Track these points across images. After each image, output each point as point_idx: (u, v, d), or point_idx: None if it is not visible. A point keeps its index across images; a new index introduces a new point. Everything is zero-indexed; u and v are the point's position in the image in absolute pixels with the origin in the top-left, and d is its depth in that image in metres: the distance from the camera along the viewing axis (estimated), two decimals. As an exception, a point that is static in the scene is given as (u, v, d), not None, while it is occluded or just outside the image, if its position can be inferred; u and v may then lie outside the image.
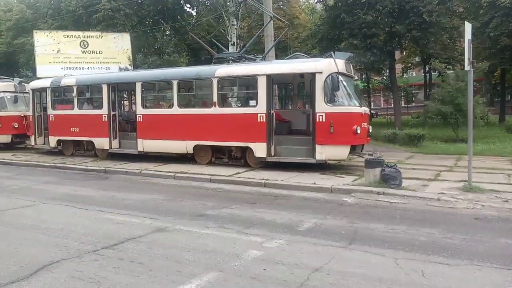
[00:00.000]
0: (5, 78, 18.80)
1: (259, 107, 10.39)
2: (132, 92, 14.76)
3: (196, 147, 11.62)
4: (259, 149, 10.48)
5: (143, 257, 4.65)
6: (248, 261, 4.51)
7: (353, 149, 10.14)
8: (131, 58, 25.82)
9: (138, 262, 4.49)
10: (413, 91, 39.74)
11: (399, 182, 8.12)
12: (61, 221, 6.30)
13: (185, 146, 11.68)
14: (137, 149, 12.55)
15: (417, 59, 33.35)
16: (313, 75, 10.04)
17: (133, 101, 15.54)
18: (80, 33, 25.87)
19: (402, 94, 37.29)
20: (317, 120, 9.81)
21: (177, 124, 11.72)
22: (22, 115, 16.58)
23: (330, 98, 9.80)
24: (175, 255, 4.68)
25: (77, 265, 4.42)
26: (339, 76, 9.74)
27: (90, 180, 10.26)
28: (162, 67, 19.95)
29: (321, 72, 9.83)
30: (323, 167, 10.64)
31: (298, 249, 4.88)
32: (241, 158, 11.27)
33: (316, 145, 9.87)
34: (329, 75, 9.72)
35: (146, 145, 12.38)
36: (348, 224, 5.96)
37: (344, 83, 10.07)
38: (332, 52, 10.22)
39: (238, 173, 10.13)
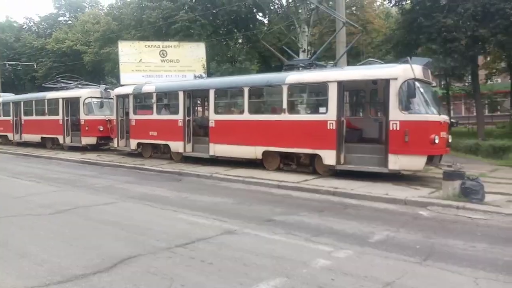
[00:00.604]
0: (92, 85, 20.55)
1: (329, 114, 10.25)
2: (206, 99, 15.34)
3: (265, 153, 11.75)
4: (328, 157, 10.32)
5: (212, 257, 4.79)
6: (315, 269, 4.45)
7: (430, 160, 9.58)
8: (205, 66, 26.88)
9: (208, 262, 4.64)
10: (498, 99, 36.66)
11: (481, 197, 7.51)
12: (140, 218, 6.72)
13: (254, 151, 11.86)
14: (208, 153, 13.00)
15: (502, 64, 30.73)
16: (387, 81, 9.69)
17: (206, 107, 16.15)
18: (159, 43, 27.50)
19: (486, 102, 34.54)
20: (391, 128, 9.43)
21: (247, 130, 11.96)
22: (106, 119, 18.00)
23: (406, 106, 9.38)
24: (243, 258, 4.77)
25: (152, 261, 4.68)
26: (416, 83, 9.29)
27: (165, 181, 10.82)
28: (234, 74, 20.50)
29: (396, 79, 9.45)
30: (396, 177, 10.19)
31: (368, 261, 4.72)
32: (309, 165, 11.18)
33: (389, 154, 9.49)
34: (404, 82, 9.32)
35: (217, 149, 12.78)
36: (424, 239, 5.64)
37: (421, 89, 9.58)
38: (408, 58, 9.79)
39: (307, 180, 10.06)
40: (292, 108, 11.52)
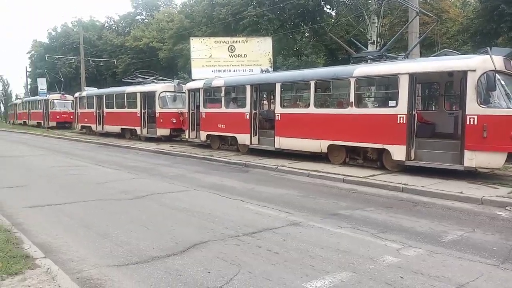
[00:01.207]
0: (166, 80, 21.56)
1: (399, 108, 9.81)
2: (272, 92, 15.42)
3: (330, 147, 11.57)
4: (397, 152, 9.90)
5: (278, 247, 4.85)
6: (383, 266, 4.32)
7: (509, 157, 8.82)
8: (271, 60, 26.98)
9: (274, 251, 4.70)
10: None
11: None
12: (209, 206, 6.97)
13: (319, 145, 11.73)
14: (274, 146, 13.08)
15: None
16: (464, 73, 9.04)
17: (272, 101, 16.25)
18: (228, 38, 28.06)
19: None
20: (468, 123, 8.80)
21: (312, 123, 11.85)
22: (179, 112, 18.84)
23: (484, 99, 8.70)
24: (308, 250, 4.76)
25: (222, 247, 4.85)
26: (496, 75, 8.57)
27: (232, 172, 11.10)
28: (300, 68, 20.35)
29: (474, 70, 8.78)
30: (471, 175, 9.51)
31: (440, 261, 4.48)
32: (376, 160, 10.82)
33: (465, 150, 8.87)
34: (483, 73, 8.63)
35: (282, 142, 12.82)
36: (502, 241, 5.22)
37: (502, 82, 8.81)
38: (488, 48, 9.04)
39: (374, 175, 9.75)
40: (360, 102, 11.19)
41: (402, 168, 10.13)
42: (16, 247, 4.52)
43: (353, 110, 10.82)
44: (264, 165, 11.76)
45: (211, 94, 16.20)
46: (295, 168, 10.97)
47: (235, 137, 14.73)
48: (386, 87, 11.14)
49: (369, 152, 10.93)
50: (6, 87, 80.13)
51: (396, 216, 6.44)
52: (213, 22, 33.33)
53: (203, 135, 16.14)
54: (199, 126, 16.54)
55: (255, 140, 14.07)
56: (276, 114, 13.03)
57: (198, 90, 16.48)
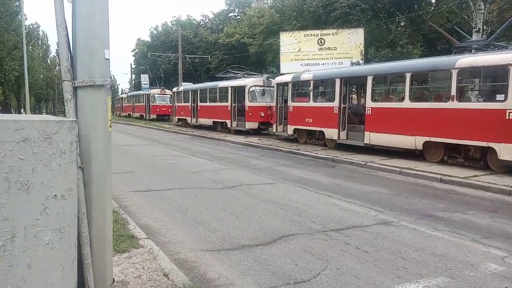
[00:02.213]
0: (256, 74, 22.03)
1: (509, 102, 8.80)
2: (362, 86, 14.89)
3: (426, 144, 10.83)
4: (505, 151, 8.91)
5: (368, 246, 4.69)
6: (485, 274, 3.95)
7: None
8: (363, 52, 26.01)
9: (363, 250, 4.57)
10: None
11: None
12: (296, 200, 7.00)
13: (413, 141, 11.05)
14: (363, 141, 12.64)
15: None
16: None
17: (362, 95, 15.70)
18: (318, 31, 27.67)
19: None
20: None
21: (406, 118, 11.19)
22: (267, 106, 19.16)
23: None
24: (400, 251, 4.53)
25: (309, 241, 4.84)
26: None
27: (319, 167, 10.99)
28: (394, 60, 19.34)
29: None
30: None
31: (556, 275, 3.95)
32: (480, 159, 9.86)
33: None
34: None
35: (372, 138, 12.33)
36: None
37: None
38: None
39: (476, 176, 8.91)
40: (462, 95, 10.28)
41: (510, 169, 9.10)
42: (123, 227, 5.01)
43: (454, 104, 9.98)
44: (352, 160, 11.44)
45: (299, 88, 16.18)
46: (386, 165, 10.49)
47: (322, 132, 14.55)
48: (494, 79, 10.06)
49: (471, 151, 10.01)
50: (113, 83, 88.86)
51: (501, 222, 5.83)
52: (303, 15, 33.14)
53: (290, 129, 16.22)
54: (286, 120, 16.64)
55: (343, 135, 13.74)
56: (366, 108, 12.57)
57: (286, 84, 16.57)
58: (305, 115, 15.25)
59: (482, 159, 9.77)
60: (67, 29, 2.59)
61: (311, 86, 14.99)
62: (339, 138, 13.76)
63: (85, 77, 2.58)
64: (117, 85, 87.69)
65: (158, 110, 35.34)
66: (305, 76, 15.50)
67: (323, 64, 25.79)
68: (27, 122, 2.11)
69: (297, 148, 14.35)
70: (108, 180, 2.74)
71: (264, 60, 40.34)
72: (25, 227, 2.12)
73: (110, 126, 2.73)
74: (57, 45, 2.82)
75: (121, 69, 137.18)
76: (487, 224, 5.69)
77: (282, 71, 26.01)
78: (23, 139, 2.09)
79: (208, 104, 23.72)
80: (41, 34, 68.67)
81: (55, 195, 2.21)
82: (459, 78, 9.99)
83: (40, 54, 68.85)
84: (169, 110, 34.30)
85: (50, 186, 2.19)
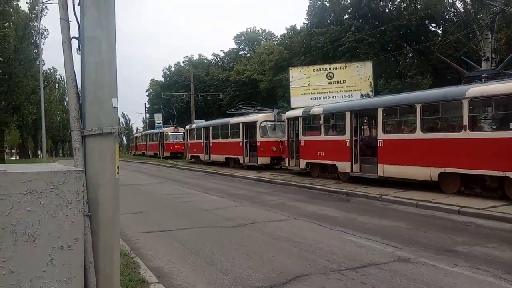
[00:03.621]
0: (266, 110, 22.30)
1: (524, 130, 8.65)
2: (373, 118, 14.87)
3: (441, 175, 10.62)
4: (524, 180, 8.66)
5: (386, 285, 4.52)
6: (511, 315, 3.74)
7: None
8: (372, 84, 26.20)
9: (380, 290, 4.40)
10: None
11: None
12: (310, 236, 6.86)
13: (428, 173, 10.86)
14: (377, 173, 12.48)
15: None
16: None
17: (373, 126, 15.65)
18: (326, 65, 28.10)
19: None
20: None
21: (420, 149, 11.06)
22: (279, 140, 19.23)
23: None
24: (419, 290, 4.35)
25: (324, 281, 4.69)
26: None
27: (333, 201, 10.83)
28: (404, 91, 19.38)
29: None
30: None
31: None
32: (497, 189, 9.60)
33: None
34: None
35: (386, 170, 12.17)
36: None
37: None
38: None
39: (494, 206, 8.65)
40: (475, 124, 10.17)
41: (531, 199, 8.82)
42: (134, 271, 4.94)
43: (467, 134, 9.86)
44: (367, 194, 11.25)
45: (310, 122, 16.25)
46: (402, 198, 10.28)
47: (335, 165, 14.44)
48: (505, 108, 9.95)
49: (487, 181, 9.77)
50: (128, 122, 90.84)
51: (526, 256, 5.58)
52: (311, 51, 33.79)
53: (302, 163, 16.15)
54: (298, 154, 16.61)
55: (356, 167, 13.61)
56: (378, 141, 12.49)
57: (297, 118, 16.67)
58: (317, 148, 15.23)
59: (500, 189, 9.51)
60: (76, 80, 2.68)
61: (322, 119, 15.04)
62: (352, 171, 13.62)
63: (94, 126, 2.64)
64: (131, 124, 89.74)
65: (171, 148, 35.81)
66: (315, 110, 15.60)
67: (333, 97, 26.00)
68: (34, 174, 2.15)
69: (310, 182, 14.23)
70: (116, 227, 2.73)
71: (275, 95, 40.86)
72: (31, 279, 2.10)
73: (118, 173, 2.76)
74: (67, 96, 2.91)
75: (136, 108, 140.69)
76: (509, 258, 5.45)
77: (292, 105, 26.28)
78: (30, 191, 2.11)
79: (220, 140, 23.93)
80: (58, 78, 71.22)
81: (61, 246, 2.21)
82: (471, 107, 9.92)
83: (57, 97, 71.21)
84: (182, 148, 34.71)
85: (57, 237, 2.20)
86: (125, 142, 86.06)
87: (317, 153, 15.25)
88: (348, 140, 13.66)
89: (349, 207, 9.95)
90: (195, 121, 31.28)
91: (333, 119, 15.11)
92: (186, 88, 50.54)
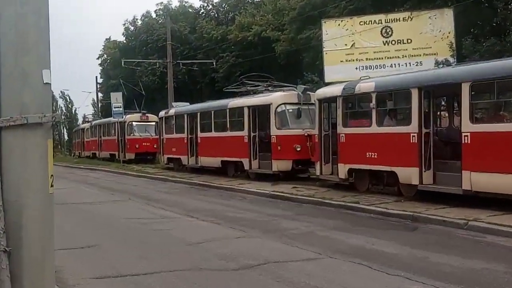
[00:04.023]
0: (286, 86, 22.22)
1: None
2: (455, 98, 14.77)
3: None
4: None
5: None
6: None
7: None
8: (453, 45, 25.99)
9: None
10: None
11: None
12: (353, 286, 6.85)
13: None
14: (461, 186, 12.42)
15: None
16: None
17: (455, 112, 15.55)
18: (381, 16, 27.93)
19: None
20: None
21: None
22: (305, 134, 19.17)
23: None
24: None
25: None
26: None
27: (391, 230, 10.82)
28: (504, 55, 19.20)
29: None
30: None
31: None
32: None
33: None
34: None
35: (476, 180, 12.08)
36: None
37: None
38: None
39: None
40: None
41: None
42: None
43: None
44: (445, 218, 11.21)
45: (354, 104, 16.20)
46: (500, 225, 10.22)
47: (394, 173, 14.40)
48: None
49: None
50: (70, 107, 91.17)
51: None
52: (356, -7, 33.64)
53: (342, 169, 16.11)
54: (336, 155, 16.57)
55: (427, 177, 13.54)
56: (463, 134, 12.43)
57: (334, 99, 16.63)
58: (366, 147, 15.17)
59: None
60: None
61: (373, 101, 14.97)
62: (421, 182, 13.57)
63: (14, 112, 2.67)
64: (75, 110, 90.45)
65: (137, 146, 36.06)
66: (364, 86, 15.53)
67: (391, 66, 25.93)
68: None
69: (355, 200, 14.19)
70: (49, 269, 2.76)
71: (299, 63, 40.75)
72: None
73: (52, 185, 2.79)
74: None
75: (82, 85, 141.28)
76: None
77: (327, 79, 26.28)
78: None
79: (213, 134, 24.03)
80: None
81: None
82: None
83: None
84: (155, 146, 34.92)
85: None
86: (65, 137, 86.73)
87: (365, 154, 15.18)
88: (415, 134, 13.60)
89: (416, 239, 9.93)
90: (175, 104, 31.33)
91: (392, 100, 15.05)
92: (161, 53, 50.70)
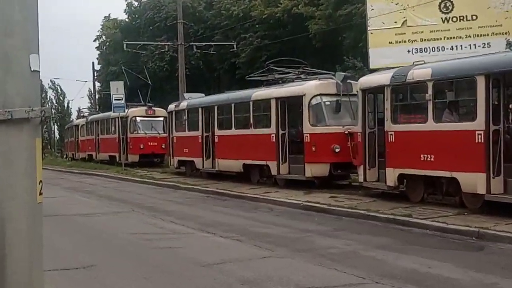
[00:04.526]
0: (322, 73, 22.16)
1: None
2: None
3: None
4: None
5: None
6: None
7: None
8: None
9: None
10: None
11: None
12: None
13: None
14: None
15: None
16: None
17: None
18: (443, -13, 27.56)
19: None
20: None
21: None
22: (346, 131, 19.10)
23: None
24: None
25: None
26: None
27: (451, 250, 10.75)
28: None
29: None
30: None
31: None
32: None
33: None
34: None
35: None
36: None
37: None
38: None
39: None
40: None
41: None
42: None
43: None
44: (519, 236, 11.11)
45: (406, 96, 16.10)
46: None
47: (455, 180, 14.27)
48: None
49: None
50: (62, 99, 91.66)
51: None
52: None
53: (391, 175, 16.00)
54: (383, 158, 16.48)
55: (496, 184, 13.40)
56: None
57: (381, 89, 16.55)
58: (421, 147, 15.07)
59: None
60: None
61: (430, 91, 14.85)
62: (488, 191, 13.44)
63: (-6, 105, 2.70)
64: (68, 102, 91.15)
65: (141, 146, 36.14)
66: (418, 74, 15.42)
67: (451, 49, 25.65)
68: None
69: (407, 212, 14.12)
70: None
71: (338, 46, 40.57)
72: None
73: (41, 193, 2.81)
74: None
75: (77, 73, 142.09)
76: None
77: (372, 64, 26.16)
78: None
79: (234, 132, 24.08)
80: None
81: None
82: None
83: None
84: (163, 146, 35.06)
85: None
86: (56, 135, 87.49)
87: (420, 157, 15.07)
88: (482, 132, 13.47)
89: (482, 261, 9.88)
90: (187, 95, 31.41)
91: (452, 91, 14.91)
92: (170, 34, 50.74)
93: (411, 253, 10.50)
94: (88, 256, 10.74)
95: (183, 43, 38.56)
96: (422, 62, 16.94)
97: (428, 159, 14.90)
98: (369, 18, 28.07)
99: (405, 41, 26.95)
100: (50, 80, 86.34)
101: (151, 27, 60.05)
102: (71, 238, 12.79)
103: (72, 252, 10.99)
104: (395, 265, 9.55)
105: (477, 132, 13.58)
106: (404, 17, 27.05)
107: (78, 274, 9.45)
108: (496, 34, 25.57)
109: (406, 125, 15.73)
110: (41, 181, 2.81)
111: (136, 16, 65.63)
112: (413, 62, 17.52)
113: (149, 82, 39.79)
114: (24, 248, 2.73)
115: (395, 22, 27.18)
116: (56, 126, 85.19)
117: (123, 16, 69.73)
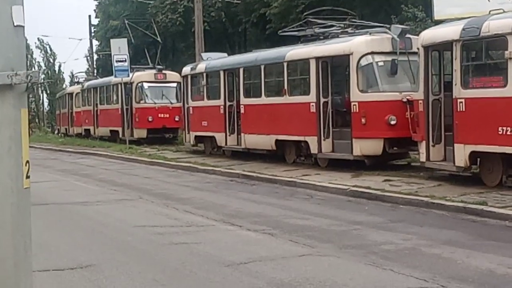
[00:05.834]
0: (373, 27, 21.99)
1: None
2: None
3: None
4: None
5: None
6: None
7: None
8: None
9: None
10: None
11: None
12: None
13: None
14: None
15: None
16: None
17: None
18: None
19: None
20: None
21: None
22: (404, 99, 18.96)
23: None
24: None
25: None
26: None
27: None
28: None
29: None
30: None
31: None
32: None
33: None
34: None
35: None
36: None
37: None
38: None
39: None
40: None
41: None
42: None
43: None
44: None
45: (480, 54, 15.93)
46: None
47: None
48: None
49: None
50: (52, 61, 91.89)
51: None
52: None
53: (461, 153, 15.90)
54: (451, 132, 16.34)
55: None
56: None
57: (449, 46, 16.41)
58: (499, 119, 14.95)
59: None
60: None
61: (511, 47, 14.68)
62: None
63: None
64: (60, 65, 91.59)
65: (150, 119, 36.25)
66: (496, 25, 15.25)
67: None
68: None
69: (480, 199, 14.05)
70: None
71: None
72: None
73: (28, 176, 2.84)
74: None
75: (68, 29, 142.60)
76: None
77: (437, 15, 25.90)
78: None
79: (264, 100, 24.11)
80: None
81: None
82: None
83: None
84: (176, 119, 35.17)
85: None
86: (46, 106, 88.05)
87: (497, 131, 14.94)
88: None
89: None
90: (206, 55, 31.37)
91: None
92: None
93: (486, 250, 10.46)
94: (85, 253, 10.82)
95: (200, -9, 38.46)
96: (501, 11, 16.75)
97: (509, 133, 14.76)
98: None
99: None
100: (38, 38, 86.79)
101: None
102: (65, 232, 12.89)
103: (66, 249, 11.08)
104: (466, 265, 9.51)
105: None
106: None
107: (73, 275, 9.49)
108: None
109: (481, 90, 15.55)
110: (27, 161, 2.82)
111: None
112: (490, 11, 17.36)
113: (159, 39, 39.80)
114: (8, 244, 2.74)
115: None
116: (45, 95, 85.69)
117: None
